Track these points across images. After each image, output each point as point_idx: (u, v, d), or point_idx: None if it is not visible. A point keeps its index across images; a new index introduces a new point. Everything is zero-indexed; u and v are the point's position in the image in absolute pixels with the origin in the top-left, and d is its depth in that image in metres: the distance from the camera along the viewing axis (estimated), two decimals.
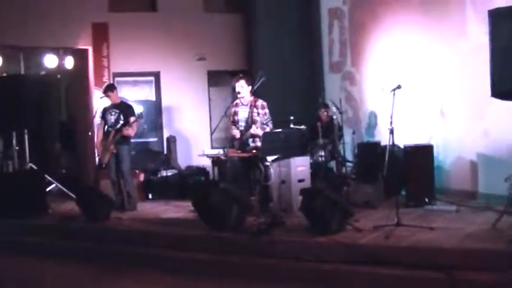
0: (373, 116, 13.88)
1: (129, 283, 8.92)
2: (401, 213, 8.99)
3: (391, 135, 9.28)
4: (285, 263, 8.48)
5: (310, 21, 16.19)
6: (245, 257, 8.87)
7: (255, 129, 10.94)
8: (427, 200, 10.76)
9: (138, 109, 12.99)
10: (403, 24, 12.93)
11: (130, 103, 13.43)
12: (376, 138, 13.27)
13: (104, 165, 12.41)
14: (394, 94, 9.29)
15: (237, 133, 11.30)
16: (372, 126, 13.92)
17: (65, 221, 11.58)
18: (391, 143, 9.32)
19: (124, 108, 12.46)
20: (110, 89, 12.65)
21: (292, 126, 11.57)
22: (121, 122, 12.24)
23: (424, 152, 11.09)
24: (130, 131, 12.20)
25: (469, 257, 7.44)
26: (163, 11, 16.39)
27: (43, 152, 16.03)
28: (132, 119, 12.20)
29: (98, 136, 12.73)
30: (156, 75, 16.56)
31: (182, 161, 15.64)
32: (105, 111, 12.56)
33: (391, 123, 9.22)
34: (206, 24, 16.58)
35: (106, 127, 12.44)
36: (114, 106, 12.48)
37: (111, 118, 12.35)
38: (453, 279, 7.10)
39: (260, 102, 11.21)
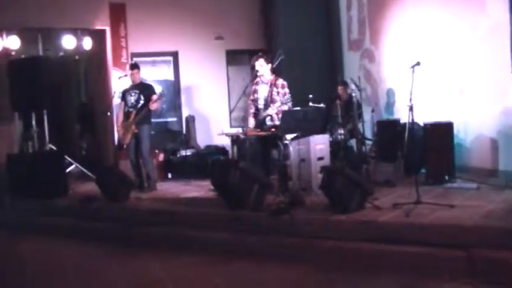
0: (392, 94, 13.82)
1: (148, 262, 8.94)
2: (421, 191, 8.91)
3: (410, 112, 9.20)
4: (305, 242, 8.48)
5: None
6: (265, 236, 8.88)
7: (271, 111, 10.94)
8: (447, 177, 10.70)
9: (157, 89, 12.94)
10: (422, 1, 12.83)
11: (150, 82, 13.39)
12: (396, 116, 13.20)
13: (124, 146, 12.43)
14: (413, 71, 9.21)
15: (251, 121, 11.33)
16: (391, 104, 13.87)
17: (85, 202, 11.62)
18: (410, 120, 9.26)
19: (144, 88, 12.46)
20: (136, 66, 12.65)
21: (311, 104, 11.54)
22: (141, 102, 12.24)
23: (443, 130, 10.99)
24: (154, 106, 12.21)
25: (488, 235, 7.39)
26: None
27: (62, 133, 16.11)
28: (154, 96, 12.19)
29: (118, 117, 12.75)
30: (175, 55, 16.60)
31: (201, 141, 15.69)
32: (125, 92, 12.57)
33: (410, 100, 9.14)
34: (224, 3, 16.61)
35: (126, 108, 12.44)
36: (134, 87, 12.48)
37: (131, 99, 12.35)
38: (472, 257, 7.07)
39: (280, 81, 11.17)
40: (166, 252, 9.28)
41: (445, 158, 10.84)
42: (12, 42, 14.51)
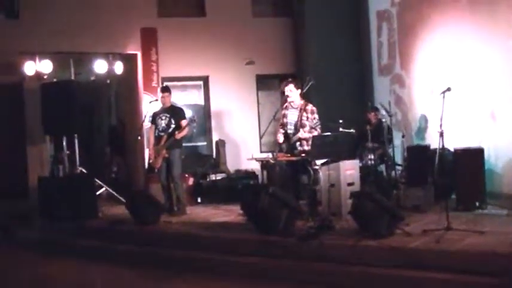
0: (422, 119, 13.77)
1: (178, 287, 8.96)
2: (452, 217, 8.86)
3: (440, 138, 9.18)
4: (334, 267, 8.46)
5: (359, 24, 16.19)
6: (294, 261, 8.86)
7: (303, 133, 10.90)
8: (477, 204, 10.62)
9: (187, 113, 12.99)
10: (451, 25, 12.81)
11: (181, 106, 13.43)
12: (426, 142, 13.15)
13: (155, 170, 12.45)
14: (443, 96, 9.18)
15: (280, 137, 11.29)
16: (421, 129, 13.81)
17: (115, 225, 11.68)
18: (440, 146, 9.23)
19: (175, 112, 12.50)
20: (167, 89, 12.71)
21: (341, 129, 11.54)
22: (172, 126, 12.28)
23: (474, 155, 10.92)
24: (182, 134, 12.25)
25: None
26: (212, 16, 16.51)
27: (93, 156, 16.21)
28: (183, 122, 12.24)
29: (149, 141, 12.80)
30: (205, 80, 16.65)
31: (231, 165, 15.69)
32: (155, 116, 12.61)
33: (440, 126, 9.11)
34: (254, 29, 16.66)
35: (157, 132, 12.49)
36: (164, 110, 12.53)
37: (162, 122, 12.39)
38: (504, 284, 7.02)
39: (310, 106, 11.15)
40: (195, 277, 9.31)
41: (475, 184, 10.75)
42: (44, 66, 14.63)
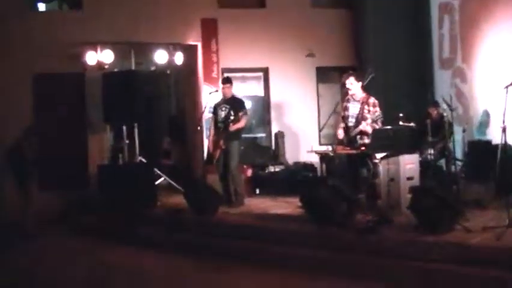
0: (484, 114, 13.61)
1: (236, 278, 9.01)
2: None
3: (503, 133, 9.05)
4: (392, 261, 8.42)
5: (420, 16, 16.03)
6: (352, 254, 8.85)
7: (365, 126, 10.80)
8: None
9: (247, 105, 12.99)
10: None
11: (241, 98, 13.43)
12: (488, 137, 12.99)
13: (214, 161, 12.50)
14: (507, 91, 9.04)
15: (340, 134, 11.22)
16: (483, 124, 13.66)
17: (173, 214, 11.77)
18: (503, 141, 9.11)
19: (234, 103, 12.47)
20: (228, 81, 12.73)
21: (401, 123, 11.46)
22: (231, 117, 12.26)
23: None
24: (237, 126, 12.26)
25: None
26: (272, 7, 16.54)
27: (153, 145, 16.34)
28: (240, 114, 12.26)
29: (210, 131, 12.85)
30: (265, 71, 16.69)
31: (290, 157, 15.70)
32: (216, 107, 12.67)
33: (503, 121, 8.98)
34: (314, 20, 16.64)
35: (217, 123, 12.55)
36: (224, 101, 12.56)
37: (222, 113, 12.42)
38: None
39: (372, 100, 11.04)
40: (252, 268, 9.35)
41: None
42: (105, 56, 14.82)
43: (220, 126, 12.38)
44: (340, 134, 11.17)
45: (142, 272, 9.68)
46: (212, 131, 12.66)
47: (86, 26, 14.84)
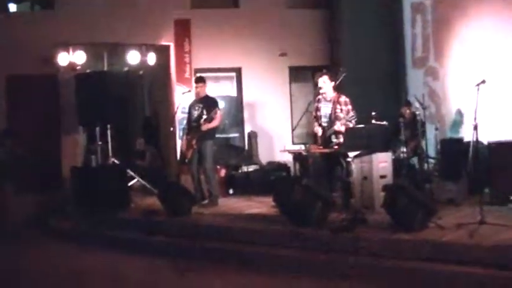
0: (457, 112, 13.70)
1: (209, 278, 8.99)
2: (485, 212, 8.79)
3: (475, 131, 9.11)
4: (367, 260, 8.44)
5: (393, 16, 16.06)
6: (327, 253, 8.85)
7: (339, 126, 10.84)
8: (511, 198, 10.54)
9: (219, 105, 12.97)
10: (487, 18, 12.73)
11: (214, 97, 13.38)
12: (460, 135, 13.08)
13: (186, 160, 12.49)
14: (478, 89, 9.11)
15: (318, 130, 11.25)
16: (455, 122, 13.74)
17: (147, 216, 11.73)
18: (475, 139, 9.17)
19: (207, 103, 12.43)
20: (201, 80, 12.70)
21: (374, 122, 11.51)
22: (204, 116, 12.23)
23: (509, 149, 10.79)
24: (210, 125, 12.20)
25: None
26: (246, 7, 16.56)
27: (126, 147, 16.29)
28: (213, 113, 12.22)
29: (184, 132, 12.82)
30: (238, 71, 16.69)
31: (263, 157, 15.70)
32: (190, 107, 12.66)
33: (475, 119, 9.05)
34: (288, 20, 16.66)
35: (190, 122, 12.52)
36: (198, 101, 12.55)
37: (195, 113, 12.41)
38: None
39: (343, 98, 11.09)
40: (227, 269, 9.33)
41: (510, 177, 10.64)
42: (78, 57, 14.77)
43: (194, 126, 12.35)
44: (319, 130, 11.19)
45: (114, 273, 9.63)
46: (187, 131, 12.63)
47: (58, 27, 14.77)
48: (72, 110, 14.29)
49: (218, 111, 12.30)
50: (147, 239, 11.08)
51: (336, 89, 11.32)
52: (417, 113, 12.39)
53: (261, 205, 12.26)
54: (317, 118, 11.31)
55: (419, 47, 15.40)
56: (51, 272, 9.93)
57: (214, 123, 12.25)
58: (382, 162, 10.75)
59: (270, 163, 15.15)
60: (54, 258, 10.91)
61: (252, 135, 16.04)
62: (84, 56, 14.83)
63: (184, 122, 13.27)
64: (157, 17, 15.70)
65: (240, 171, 14.64)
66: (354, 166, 10.50)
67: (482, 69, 12.14)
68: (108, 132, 14.09)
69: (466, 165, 9.74)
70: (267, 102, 16.61)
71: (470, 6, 13.28)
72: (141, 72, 16.46)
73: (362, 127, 10.58)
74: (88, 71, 14.90)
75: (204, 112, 12.26)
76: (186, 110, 12.90)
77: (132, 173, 14.21)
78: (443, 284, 7.61)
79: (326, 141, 11.04)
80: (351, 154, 10.41)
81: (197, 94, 12.60)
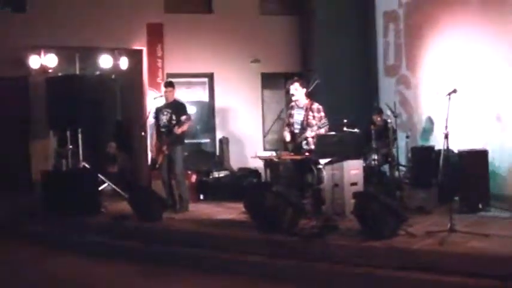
0: (428, 121, 13.74)
1: (178, 284, 8.96)
2: (455, 219, 8.83)
3: (445, 139, 9.14)
4: (337, 267, 8.44)
5: (366, 24, 16.13)
6: (297, 260, 8.84)
7: (310, 133, 10.86)
8: (481, 206, 10.58)
9: (191, 110, 12.94)
10: (459, 27, 12.76)
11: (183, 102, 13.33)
12: (431, 143, 13.11)
13: (157, 166, 12.43)
14: (449, 98, 9.15)
15: (286, 135, 11.27)
16: (426, 130, 13.78)
17: (117, 221, 11.65)
18: (445, 147, 9.20)
19: (176, 108, 12.39)
20: (170, 84, 12.63)
21: (345, 129, 11.52)
22: (173, 121, 12.19)
23: (479, 157, 10.87)
24: (181, 129, 12.12)
25: None
26: (219, 13, 16.56)
27: (97, 151, 16.20)
28: (183, 118, 12.17)
29: (153, 137, 12.77)
30: (210, 77, 16.69)
31: (234, 163, 15.71)
32: (158, 111, 12.57)
33: (446, 127, 9.07)
34: (261, 26, 16.70)
35: (159, 127, 12.46)
36: (167, 106, 12.46)
37: (164, 118, 12.32)
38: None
39: (316, 105, 11.13)
40: (196, 274, 9.29)
41: (479, 186, 10.71)
42: (49, 60, 14.70)
43: (163, 131, 12.29)
44: (287, 136, 11.21)
45: (84, 278, 9.55)
46: (155, 136, 12.58)
47: (30, 29, 14.68)
48: (43, 113, 14.18)
49: (188, 116, 12.25)
50: (116, 243, 11.01)
51: (309, 95, 11.33)
52: (388, 120, 12.42)
53: (231, 211, 12.23)
54: (289, 125, 11.34)
55: (391, 55, 15.47)
56: (20, 276, 9.84)
57: (184, 128, 12.18)
58: (353, 169, 10.77)
59: (241, 169, 15.12)
60: (23, 262, 10.79)
61: (224, 141, 16.04)
62: (55, 59, 14.78)
63: None
64: (130, 20, 15.64)
65: (211, 176, 14.60)
66: (325, 173, 10.53)
67: (454, 78, 12.19)
68: (79, 136, 14.00)
69: (436, 173, 9.77)
70: (238, 108, 16.61)
71: (442, 15, 13.32)
72: (113, 76, 16.41)
73: (333, 134, 10.63)
74: (59, 74, 14.82)
75: (173, 117, 12.20)
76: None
77: (102, 177, 14.12)
78: None
79: (297, 148, 11.05)
80: (322, 161, 10.43)
81: (166, 98, 12.51)
